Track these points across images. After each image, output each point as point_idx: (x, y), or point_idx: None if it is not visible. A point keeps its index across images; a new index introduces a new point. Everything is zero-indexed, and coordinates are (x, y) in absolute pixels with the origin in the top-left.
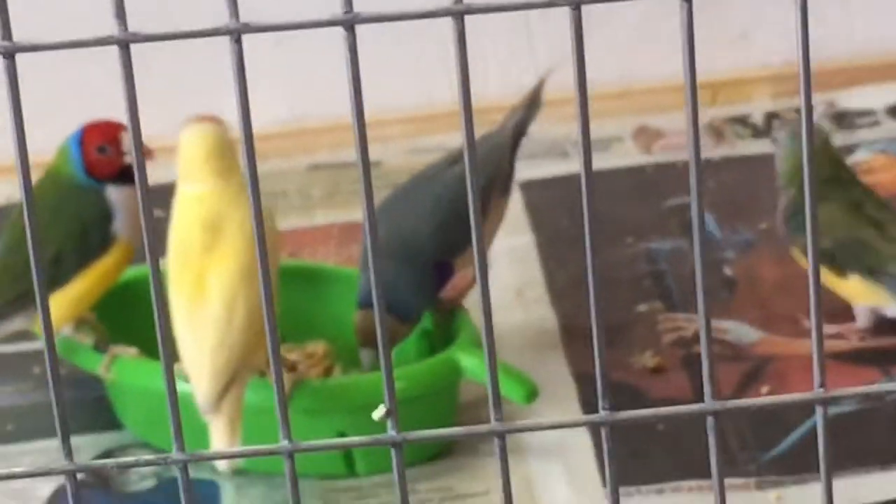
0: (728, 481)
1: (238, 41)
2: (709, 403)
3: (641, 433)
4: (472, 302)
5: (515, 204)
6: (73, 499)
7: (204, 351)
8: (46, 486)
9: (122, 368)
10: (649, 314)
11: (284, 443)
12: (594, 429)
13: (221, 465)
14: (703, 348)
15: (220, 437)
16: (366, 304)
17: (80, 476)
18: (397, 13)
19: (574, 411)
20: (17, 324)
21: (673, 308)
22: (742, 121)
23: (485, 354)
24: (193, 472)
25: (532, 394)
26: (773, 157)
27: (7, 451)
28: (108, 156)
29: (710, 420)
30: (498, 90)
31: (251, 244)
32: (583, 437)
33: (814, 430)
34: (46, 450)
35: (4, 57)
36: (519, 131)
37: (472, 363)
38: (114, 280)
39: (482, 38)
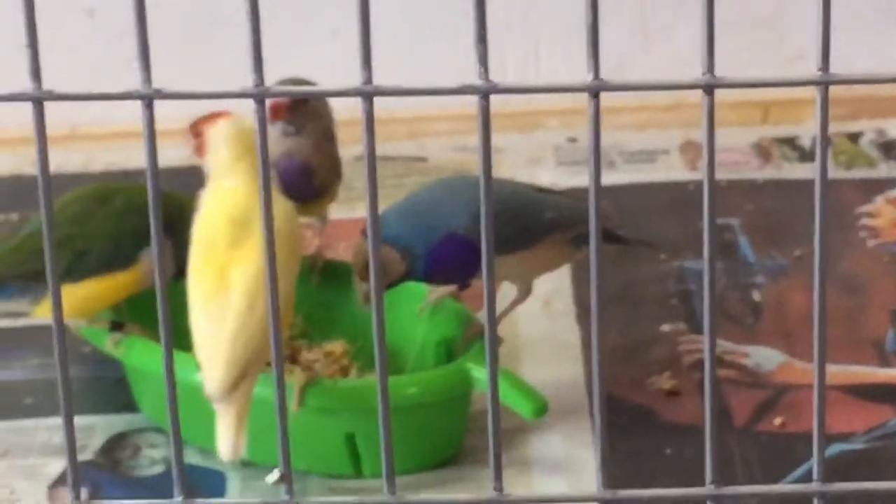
0: None
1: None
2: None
3: (647, 455)
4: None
5: None
6: None
7: (221, 340)
8: (56, 465)
9: (138, 353)
10: (672, 334)
11: None
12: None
13: (225, 456)
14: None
15: (226, 429)
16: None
17: (91, 458)
18: None
19: (585, 427)
20: (14, 304)
21: (696, 330)
22: (791, 142)
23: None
24: (201, 461)
25: (541, 410)
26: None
27: (23, 426)
28: None
29: None
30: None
31: (278, 240)
32: (590, 455)
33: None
34: (61, 427)
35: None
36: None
37: (483, 374)
38: (126, 295)
39: (538, 44)
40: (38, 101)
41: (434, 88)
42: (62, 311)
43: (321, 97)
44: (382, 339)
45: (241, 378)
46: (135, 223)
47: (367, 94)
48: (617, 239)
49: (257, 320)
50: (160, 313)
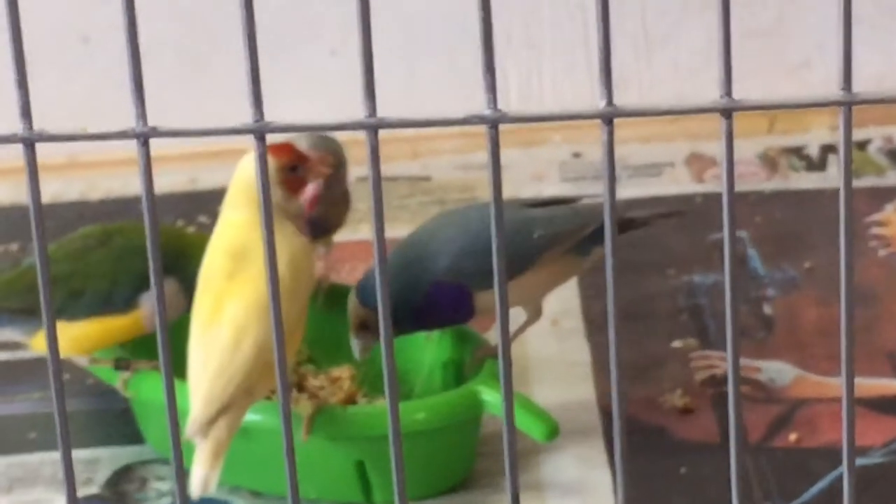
0: None
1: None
2: None
3: (661, 475)
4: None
5: None
6: None
7: (204, 375)
8: (62, 499)
9: (143, 384)
10: (683, 351)
11: None
12: (614, 468)
13: (194, 491)
14: None
15: (200, 464)
16: (361, 299)
17: (97, 492)
18: None
19: (598, 448)
20: (8, 334)
21: (708, 345)
22: (797, 152)
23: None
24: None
25: (552, 432)
26: (824, 192)
27: (27, 461)
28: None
29: None
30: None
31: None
32: (603, 476)
33: (838, 480)
34: None
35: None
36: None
37: (493, 398)
38: (124, 339)
39: (540, 56)
40: (30, 142)
41: (440, 119)
42: (58, 344)
43: (323, 131)
44: (393, 377)
45: (219, 414)
46: (134, 265)
47: (372, 127)
48: (632, 223)
49: (243, 355)
50: (160, 353)
